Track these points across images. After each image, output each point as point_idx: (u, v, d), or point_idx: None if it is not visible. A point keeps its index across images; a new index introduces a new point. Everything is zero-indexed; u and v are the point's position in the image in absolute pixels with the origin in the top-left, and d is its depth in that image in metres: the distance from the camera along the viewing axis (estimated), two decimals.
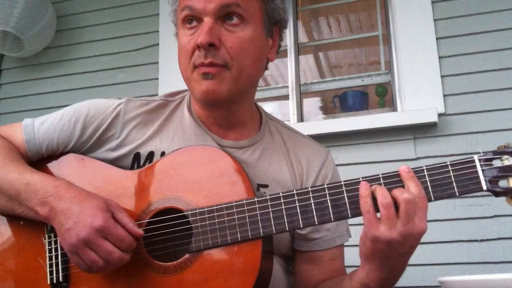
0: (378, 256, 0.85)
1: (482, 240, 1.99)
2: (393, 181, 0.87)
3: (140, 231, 0.95)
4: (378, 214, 0.84)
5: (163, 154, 1.07)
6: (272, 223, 0.92)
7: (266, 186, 1.09)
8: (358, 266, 1.07)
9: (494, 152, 0.86)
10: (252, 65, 1.03)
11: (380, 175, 0.88)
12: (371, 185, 0.86)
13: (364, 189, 0.85)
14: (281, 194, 0.93)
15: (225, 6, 0.98)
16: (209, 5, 0.98)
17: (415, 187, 0.84)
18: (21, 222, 1.04)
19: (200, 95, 1.01)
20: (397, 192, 0.83)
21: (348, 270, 1.10)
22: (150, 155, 1.08)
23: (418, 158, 2.14)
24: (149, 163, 1.06)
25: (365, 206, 0.84)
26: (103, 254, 0.90)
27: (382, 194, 0.83)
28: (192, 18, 1.00)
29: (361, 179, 0.89)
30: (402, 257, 0.85)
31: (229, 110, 1.08)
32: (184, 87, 1.21)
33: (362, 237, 0.86)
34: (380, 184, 0.87)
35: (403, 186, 0.85)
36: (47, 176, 1.01)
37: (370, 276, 0.89)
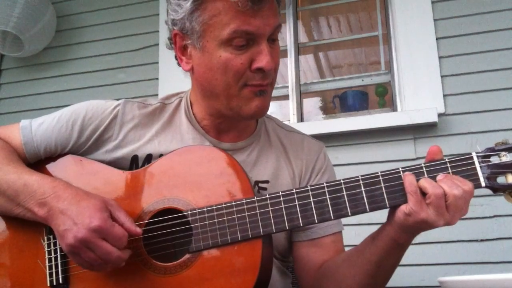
0: (418, 230, 0.87)
1: (482, 240, 1.99)
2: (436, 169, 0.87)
3: (138, 230, 0.95)
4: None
5: (161, 156, 1.07)
6: (272, 222, 0.92)
7: (267, 181, 1.10)
8: None
9: (492, 149, 0.87)
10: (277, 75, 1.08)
11: (423, 164, 0.88)
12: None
13: (408, 174, 0.86)
14: (280, 193, 0.93)
15: (276, 28, 1.00)
16: (268, 28, 0.98)
17: (463, 186, 0.84)
18: (20, 224, 1.04)
19: (253, 111, 1.02)
20: (447, 188, 0.83)
21: None
22: (148, 158, 1.08)
23: (418, 158, 2.15)
24: (147, 165, 1.06)
25: (411, 187, 0.84)
26: (101, 254, 0.90)
27: (431, 184, 0.84)
28: (243, 41, 0.97)
29: (360, 177, 0.90)
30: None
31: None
32: (184, 88, 1.21)
33: (405, 214, 0.85)
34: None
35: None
36: (45, 176, 1.01)
37: (402, 237, 0.90)
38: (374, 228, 2.23)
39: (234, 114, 1.04)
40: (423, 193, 0.84)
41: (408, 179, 0.86)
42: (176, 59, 1.09)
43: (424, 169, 0.87)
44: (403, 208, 0.85)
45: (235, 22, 0.95)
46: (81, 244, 0.90)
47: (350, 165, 2.21)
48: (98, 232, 0.90)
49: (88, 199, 0.94)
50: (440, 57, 2.24)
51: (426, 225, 0.84)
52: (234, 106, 1.02)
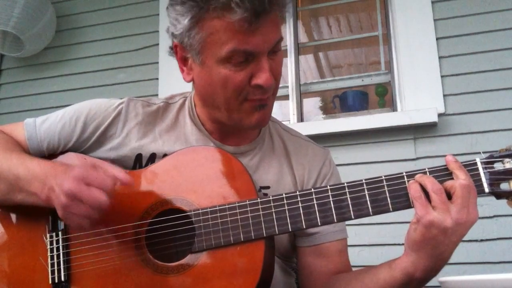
0: (430, 244, 0.85)
1: (482, 240, 1.99)
2: (439, 175, 0.88)
3: (128, 177, 0.92)
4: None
5: (165, 156, 1.07)
6: (275, 224, 0.92)
7: (268, 187, 1.09)
8: (359, 266, 1.07)
9: (496, 155, 0.88)
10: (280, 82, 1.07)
11: (427, 169, 0.89)
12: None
13: (413, 182, 0.87)
14: (284, 195, 0.93)
15: (276, 43, 0.99)
16: (267, 45, 0.96)
17: (466, 175, 0.85)
18: (22, 221, 1.04)
19: (254, 124, 1.03)
20: (450, 181, 0.85)
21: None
22: (152, 157, 1.08)
23: (418, 158, 2.15)
24: (151, 164, 1.06)
25: (415, 192, 0.85)
26: (91, 203, 0.88)
27: (431, 182, 0.85)
28: (242, 59, 0.96)
29: (363, 181, 0.90)
30: (451, 245, 0.85)
31: None
32: (184, 88, 1.21)
33: (414, 223, 0.86)
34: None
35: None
36: (45, 160, 1.01)
37: (416, 265, 0.87)
38: (374, 228, 2.22)
39: (235, 125, 1.05)
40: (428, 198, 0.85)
41: (413, 187, 0.87)
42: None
43: (428, 174, 0.88)
44: (412, 220, 0.86)
45: (232, 41, 0.93)
46: (70, 199, 0.88)
47: (350, 165, 2.21)
48: (81, 179, 0.88)
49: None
50: (440, 57, 2.24)
51: (437, 230, 0.83)
52: (235, 118, 1.03)
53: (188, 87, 1.18)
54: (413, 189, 0.86)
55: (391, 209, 0.89)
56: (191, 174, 0.99)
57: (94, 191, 0.88)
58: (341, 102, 2.69)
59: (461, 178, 0.85)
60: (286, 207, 0.93)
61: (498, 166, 0.87)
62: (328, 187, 0.92)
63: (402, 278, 0.89)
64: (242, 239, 0.93)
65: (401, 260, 0.90)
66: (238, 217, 0.94)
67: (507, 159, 0.86)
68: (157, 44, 2.66)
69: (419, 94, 2.22)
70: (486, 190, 0.86)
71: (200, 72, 1.01)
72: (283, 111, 2.67)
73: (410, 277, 0.88)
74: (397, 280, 0.90)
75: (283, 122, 1.25)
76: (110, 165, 0.95)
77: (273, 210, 0.93)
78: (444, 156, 0.90)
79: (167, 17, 1.02)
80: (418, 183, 0.87)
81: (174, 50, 1.05)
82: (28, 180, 0.97)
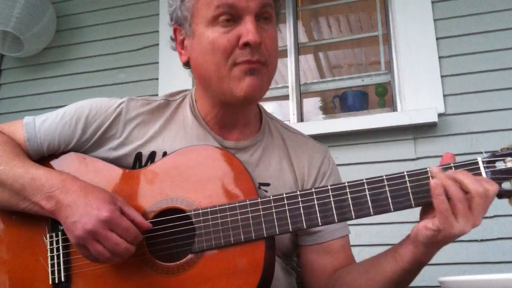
0: (445, 242, 0.86)
1: (482, 240, 1.99)
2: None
3: (148, 224, 0.96)
4: None
5: (165, 154, 1.07)
6: (276, 224, 0.92)
7: (268, 184, 1.09)
8: None
9: (497, 154, 0.87)
10: (277, 64, 1.07)
11: (428, 169, 0.88)
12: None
13: (435, 185, 0.84)
14: (284, 195, 0.93)
15: (264, 6, 1.00)
16: (252, 3, 0.97)
17: (477, 184, 0.82)
18: (22, 222, 1.04)
19: (244, 91, 1.00)
20: (470, 184, 0.81)
21: None
22: (152, 155, 1.08)
23: (418, 158, 2.15)
24: (150, 163, 1.06)
25: (442, 204, 0.82)
26: (109, 246, 0.90)
27: (456, 190, 0.82)
28: (228, 16, 0.98)
29: (364, 180, 0.90)
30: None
31: (245, 109, 1.10)
32: (183, 87, 1.21)
33: (433, 230, 0.84)
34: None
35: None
36: (52, 170, 1.01)
37: (429, 255, 0.89)
38: (375, 228, 2.22)
39: (227, 98, 1.03)
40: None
41: (440, 199, 0.83)
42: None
43: (429, 174, 0.87)
44: (429, 225, 0.84)
45: None
46: (90, 236, 0.90)
47: (350, 165, 2.21)
48: (106, 223, 0.90)
49: (96, 192, 0.95)
50: (440, 57, 2.24)
51: (456, 237, 0.84)
52: (226, 89, 1.01)
53: (188, 87, 1.18)
54: (440, 201, 0.82)
55: (392, 209, 0.88)
56: (191, 173, 0.99)
57: (115, 238, 0.91)
58: (341, 102, 2.69)
59: (480, 187, 0.81)
60: (286, 207, 0.92)
61: (499, 165, 0.86)
62: (329, 187, 0.91)
63: (412, 267, 0.91)
64: (242, 239, 0.92)
65: (410, 251, 0.90)
66: (239, 217, 0.93)
67: (508, 158, 0.85)
68: (157, 44, 2.67)
69: (419, 94, 2.22)
70: None
71: (193, 44, 1.03)
72: (283, 111, 2.68)
73: (421, 264, 0.91)
74: (407, 270, 0.92)
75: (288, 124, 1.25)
76: (133, 210, 0.96)
77: (273, 210, 0.93)
78: None
79: (168, 7, 1.06)
80: (442, 187, 0.83)
81: (174, 36, 1.08)
82: (33, 191, 0.97)
